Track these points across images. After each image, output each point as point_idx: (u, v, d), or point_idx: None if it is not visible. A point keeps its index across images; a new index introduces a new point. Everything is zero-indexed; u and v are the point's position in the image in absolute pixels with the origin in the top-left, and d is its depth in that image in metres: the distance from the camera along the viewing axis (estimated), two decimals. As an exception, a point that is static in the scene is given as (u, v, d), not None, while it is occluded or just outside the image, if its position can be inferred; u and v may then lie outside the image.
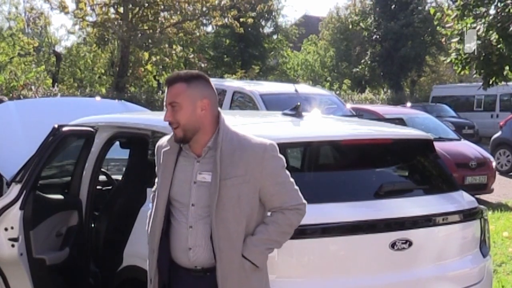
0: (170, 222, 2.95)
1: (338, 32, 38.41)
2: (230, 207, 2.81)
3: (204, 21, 26.80)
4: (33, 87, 20.01)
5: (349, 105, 13.57)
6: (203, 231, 2.85)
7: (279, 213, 2.88)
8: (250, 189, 2.83)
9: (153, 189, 3.13)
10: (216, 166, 2.81)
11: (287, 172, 2.92)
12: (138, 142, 4.66)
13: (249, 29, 30.60)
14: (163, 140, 3.05)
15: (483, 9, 14.76)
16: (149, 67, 25.08)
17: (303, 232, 3.09)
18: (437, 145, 4.54)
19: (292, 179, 2.92)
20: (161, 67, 25.27)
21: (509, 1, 14.17)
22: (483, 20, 14.30)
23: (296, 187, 2.93)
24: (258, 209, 2.89)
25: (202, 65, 24.72)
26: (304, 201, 2.93)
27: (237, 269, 2.83)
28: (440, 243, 3.78)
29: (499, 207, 10.58)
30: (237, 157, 2.82)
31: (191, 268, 2.91)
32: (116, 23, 23.44)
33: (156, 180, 3.06)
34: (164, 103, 2.93)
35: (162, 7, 23.80)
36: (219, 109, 2.96)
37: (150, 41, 23.73)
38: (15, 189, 4.36)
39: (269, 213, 2.93)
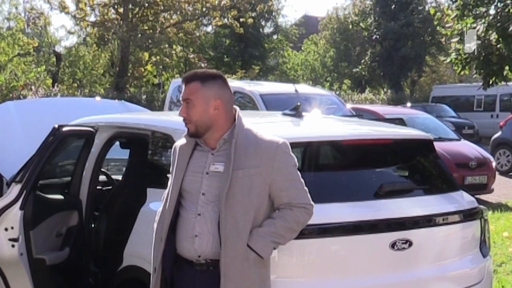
0: (178, 214, 3.01)
1: (337, 32, 38.41)
2: (239, 196, 2.88)
3: (204, 21, 26.80)
4: (33, 87, 20.01)
5: (349, 105, 13.56)
6: (211, 218, 2.92)
7: (287, 209, 2.95)
8: (261, 182, 2.91)
9: (165, 191, 3.16)
10: (230, 156, 2.90)
11: (298, 172, 3.00)
12: (138, 142, 4.67)
13: (249, 29, 30.59)
14: (179, 141, 3.14)
15: (483, 9, 14.76)
16: (149, 67, 25.09)
17: (303, 232, 3.10)
18: (437, 145, 4.53)
19: (302, 180, 3.00)
20: (161, 67, 25.28)
21: (508, 1, 14.18)
22: (483, 20, 14.31)
23: (306, 188, 3.00)
24: (267, 204, 2.96)
25: (202, 65, 24.70)
26: (312, 202, 3.00)
27: (241, 258, 2.87)
28: (440, 243, 3.78)
29: (499, 207, 10.58)
30: (251, 151, 2.92)
31: (195, 259, 2.94)
32: (116, 23, 23.44)
33: (169, 181, 3.11)
34: (180, 99, 3.04)
35: (162, 7, 23.81)
36: (236, 108, 3.06)
37: (150, 41, 23.73)
38: (15, 189, 4.36)
39: (277, 211, 2.99)
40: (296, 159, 3.02)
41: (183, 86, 3.02)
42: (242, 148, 2.92)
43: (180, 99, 3.06)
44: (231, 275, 2.87)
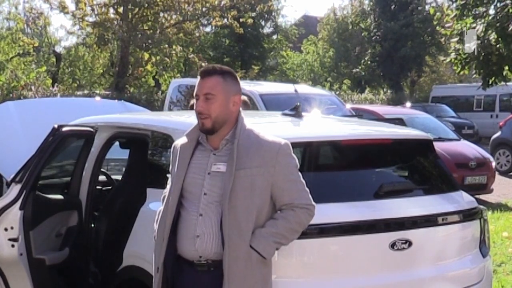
0: (179, 215, 3.00)
1: (336, 33, 38.37)
2: (242, 196, 2.88)
3: (204, 21, 26.78)
4: (33, 87, 19.98)
5: (348, 105, 13.56)
6: (213, 218, 2.91)
7: (289, 210, 2.96)
8: (263, 182, 2.91)
9: (164, 191, 3.16)
10: (232, 156, 2.90)
11: (299, 173, 3.01)
12: (138, 142, 4.67)
13: (249, 29, 30.57)
14: (180, 140, 3.13)
15: (483, 9, 14.76)
16: (149, 67, 25.07)
17: (303, 232, 3.10)
18: (437, 145, 4.53)
19: (303, 180, 3.00)
20: (161, 67, 25.26)
21: (508, 1, 14.18)
22: (482, 20, 14.31)
23: (307, 189, 3.00)
24: (269, 205, 2.97)
25: (202, 65, 24.68)
26: (314, 203, 3.00)
27: (243, 258, 2.88)
28: (439, 243, 3.78)
29: (499, 207, 10.59)
30: (253, 151, 2.92)
31: (196, 260, 2.94)
32: (116, 23, 23.42)
33: (169, 181, 3.11)
34: (194, 93, 3.00)
35: (162, 7, 23.78)
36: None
37: (150, 41, 23.70)
38: (15, 189, 4.36)
39: (279, 212, 3.00)
40: (297, 160, 3.03)
41: (200, 80, 2.99)
42: (244, 148, 2.92)
43: (195, 93, 3.00)
44: (234, 276, 2.87)
